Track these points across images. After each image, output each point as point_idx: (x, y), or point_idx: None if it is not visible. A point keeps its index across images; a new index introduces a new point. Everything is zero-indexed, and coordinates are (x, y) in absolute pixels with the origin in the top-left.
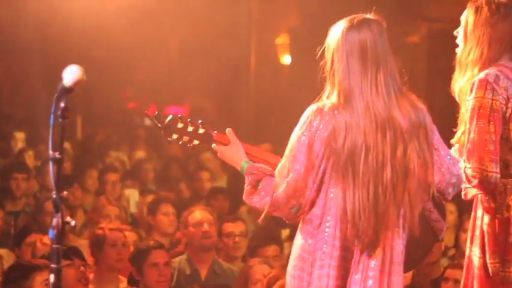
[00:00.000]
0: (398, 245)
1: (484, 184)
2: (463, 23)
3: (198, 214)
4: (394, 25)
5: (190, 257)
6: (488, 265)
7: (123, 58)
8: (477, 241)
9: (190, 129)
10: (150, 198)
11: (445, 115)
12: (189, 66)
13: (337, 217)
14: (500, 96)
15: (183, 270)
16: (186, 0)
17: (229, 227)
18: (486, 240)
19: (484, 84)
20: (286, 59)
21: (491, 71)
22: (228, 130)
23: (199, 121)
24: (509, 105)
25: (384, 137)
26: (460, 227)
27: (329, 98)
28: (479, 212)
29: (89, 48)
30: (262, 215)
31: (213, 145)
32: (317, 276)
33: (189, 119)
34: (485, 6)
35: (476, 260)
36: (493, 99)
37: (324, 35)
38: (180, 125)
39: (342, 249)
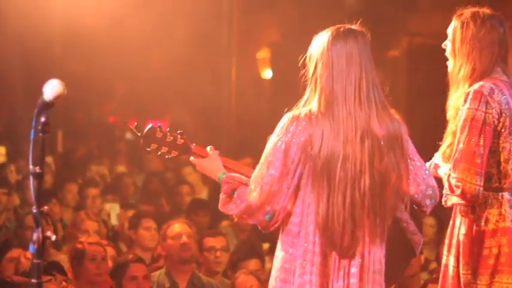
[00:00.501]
0: (376, 253)
1: (466, 196)
2: (450, 37)
3: (177, 227)
4: (375, 39)
5: (169, 270)
6: (461, 275)
7: (104, 72)
8: (453, 250)
9: (169, 139)
10: (131, 212)
11: (426, 127)
12: (170, 80)
13: (315, 224)
14: (494, 110)
15: (162, 284)
16: (167, 14)
17: (210, 241)
18: (461, 250)
19: (478, 95)
20: (267, 73)
21: (487, 83)
22: (209, 147)
23: (179, 131)
24: (501, 119)
25: (362, 145)
26: (440, 240)
27: (307, 104)
28: (458, 221)
29: (69, 62)
30: (236, 219)
31: (191, 158)
32: (298, 285)
33: (167, 129)
34: (471, 21)
35: (451, 269)
36: (486, 112)
37: (305, 49)
38: (159, 135)
39: (322, 255)
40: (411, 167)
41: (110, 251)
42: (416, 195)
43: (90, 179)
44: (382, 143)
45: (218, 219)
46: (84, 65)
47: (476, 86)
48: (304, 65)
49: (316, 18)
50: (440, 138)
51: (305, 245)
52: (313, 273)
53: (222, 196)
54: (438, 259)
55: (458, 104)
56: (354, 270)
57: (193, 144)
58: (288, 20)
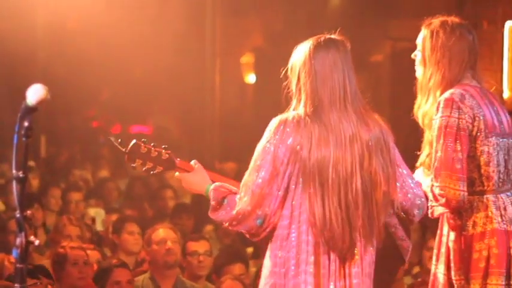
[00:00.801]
0: (368, 255)
1: (452, 202)
2: (419, 47)
3: (162, 232)
4: (358, 44)
5: (154, 275)
6: (454, 282)
7: (87, 77)
8: (442, 258)
9: (154, 154)
10: (114, 217)
11: (410, 132)
12: (153, 85)
13: (308, 222)
14: (467, 115)
15: None
16: (150, 19)
17: (193, 245)
18: (452, 257)
19: (450, 103)
20: (250, 78)
21: (456, 90)
22: (194, 161)
23: (163, 146)
24: (475, 123)
25: (352, 149)
26: (423, 244)
27: (297, 109)
28: (445, 229)
29: (52, 67)
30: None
31: (176, 173)
32: (293, 285)
33: (152, 144)
34: (440, 30)
35: (441, 277)
36: (459, 118)
37: (289, 54)
38: (143, 150)
39: (316, 254)
40: (398, 174)
41: (96, 255)
42: (404, 203)
43: (73, 184)
44: (370, 147)
45: (202, 224)
46: (67, 69)
47: (446, 94)
48: (286, 76)
49: (299, 23)
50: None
51: (298, 246)
52: (308, 273)
53: (212, 202)
54: (421, 263)
55: (431, 113)
56: (356, 269)
57: (178, 159)
58: (271, 25)
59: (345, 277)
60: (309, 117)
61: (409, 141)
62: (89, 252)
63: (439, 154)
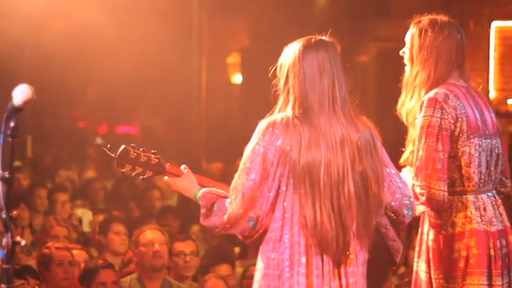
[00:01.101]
0: (361, 256)
1: (432, 202)
2: (408, 44)
3: (150, 234)
4: (344, 45)
5: (141, 276)
6: (433, 281)
7: (74, 77)
8: (423, 256)
9: (143, 159)
10: (101, 217)
11: (395, 133)
12: (140, 86)
13: (300, 224)
14: (449, 115)
15: None
16: (137, 19)
17: (180, 246)
18: (431, 255)
19: (433, 103)
20: (237, 79)
21: (441, 90)
22: (183, 166)
23: (153, 151)
24: (458, 124)
25: (343, 151)
26: (409, 244)
27: (282, 111)
28: (426, 227)
29: (39, 67)
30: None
31: (166, 177)
32: (288, 287)
33: (142, 149)
34: (429, 28)
35: (423, 275)
36: (441, 118)
37: (275, 54)
38: (133, 155)
39: (309, 255)
40: (386, 174)
41: (83, 255)
42: (392, 203)
43: (59, 184)
44: (360, 146)
45: (189, 224)
46: (53, 69)
47: (430, 93)
48: (274, 75)
49: (286, 24)
50: None
51: (290, 247)
52: (300, 274)
53: (202, 210)
54: (407, 263)
55: (415, 111)
56: (352, 268)
57: (168, 163)
58: (258, 26)
59: (340, 277)
60: (298, 119)
61: (396, 140)
62: (76, 252)
63: (420, 153)
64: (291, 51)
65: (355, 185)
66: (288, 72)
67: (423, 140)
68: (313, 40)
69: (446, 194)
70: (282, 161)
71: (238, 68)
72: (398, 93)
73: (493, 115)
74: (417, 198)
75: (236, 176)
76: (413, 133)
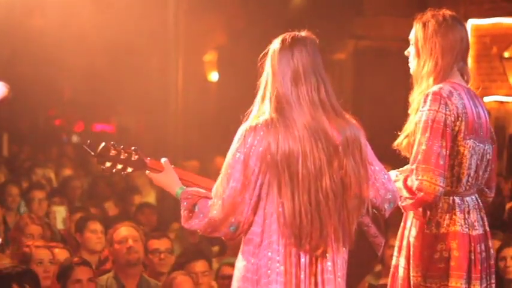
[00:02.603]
0: (340, 258)
1: (429, 197)
2: (412, 41)
3: (123, 230)
4: (321, 42)
5: (117, 274)
6: (411, 277)
7: (50, 75)
8: (404, 252)
9: (123, 156)
10: (78, 215)
11: (372, 130)
12: (116, 84)
13: (279, 232)
14: (452, 113)
15: None
16: (114, 17)
17: (155, 243)
18: (411, 252)
19: (438, 97)
20: (213, 76)
21: (445, 86)
22: (164, 160)
23: (133, 148)
24: (458, 123)
25: (317, 146)
26: (385, 243)
27: (260, 112)
28: (408, 222)
29: (15, 65)
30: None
31: (147, 172)
32: None
33: (121, 146)
34: (432, 19)
35: (401, 271)
36: (446, 114)
37: (251, 52)
38: (113, 153)
39: (287, 264)
40: (370, 172)
41: (64, 254)
42: (374, 200)
43: (36, 182)
44: (339, 148)
45: (168, 222)
46: (30, 67)
47: (435, 87)
48: (250, 74)
49: (262, 22)
50: (387, 140)
51: (269, 255)
52: (278, 282)
53: (183, 213)
54: (383, 261)
55: (420, 98)
56: (328, 276)
57: (148, 158)
58: (234, 23)
59: (316, 285)
60: (277, 120)
61: (373, 138)
62: (57, 251)
63: (423, 147)
64: (270, 49)
65: (333, 183)
66: (266, 70)
67: (427, 135)
68: (290, 37)
69: (443, 190)
70: (263, 168)
71: (215, 66)
72: (374, 91)
73: (488, 120)
74: (413, 193)
75: (218, 179)
76: (413, 120)
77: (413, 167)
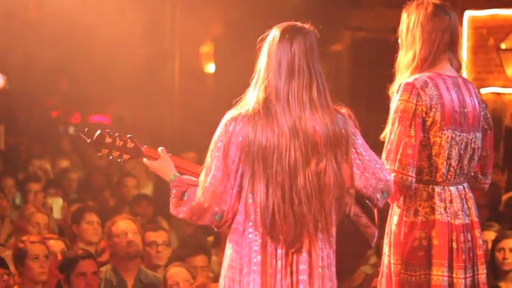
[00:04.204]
0: (322, 249)
1: (399, 186)
2: (399, 32)
3: (122, 224)
4: (318, 34)
5: (116, 267)
6: (392, 265)
7: (46, 66)
8: (387, 239)
9: (119, 143)
10: (74, 207)
11: (369, 122)
12: (113, 75)
13: (257, 223)
14: (424, 103)
15: (109, 281)
16: (110, 8)
17: (152, 236)
18: (392, 240)
19: (410, 88)
20: (210, 68)
21: (421, 76)
22: (161, 148)
23: (128, 135)
24: (431, 114)
25: (294, 142)
26: (381, 235)
27: (247, 100)
28: (390, 211)
29: (10, 56)
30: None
31: (144, 159)
32: (246, 283)
33: (117, 134)
34: (415, 10)
35: (386, 259)
36: (416, 104)
37: (248, 43)
38: (108, 140)
39: (263, 254)
40: (359, 162)
41: (60, 245)
42: (365, 190)
43: (32, 174)
44: (318, 145)
45: (165, 214)
46: (26, 59)
47: (410, 78)
48: (247, 65)
49: (259, 13)
50: (383, 132)
51: (250, 244)
52: (256, 272)
53: (172, 200)
54: (378, 253)
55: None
56: (302, 267)
57: (145, 146)
58: (230, 14)
59: (291, 274)
60: (259, 112)
61: (368, 130)
62: (52, 242)
63: (392, 137)
64: (267, 39)
65: (307, 182)
66: (261, 59)
67: (396, 124)
68: (289, 27)
69: (413, 180)
70: (243, 158)
71: (212, 58)
72: (371, 83)
73: (478, 109)
74: None
75: (203, 167)
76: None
77: (384, 157)
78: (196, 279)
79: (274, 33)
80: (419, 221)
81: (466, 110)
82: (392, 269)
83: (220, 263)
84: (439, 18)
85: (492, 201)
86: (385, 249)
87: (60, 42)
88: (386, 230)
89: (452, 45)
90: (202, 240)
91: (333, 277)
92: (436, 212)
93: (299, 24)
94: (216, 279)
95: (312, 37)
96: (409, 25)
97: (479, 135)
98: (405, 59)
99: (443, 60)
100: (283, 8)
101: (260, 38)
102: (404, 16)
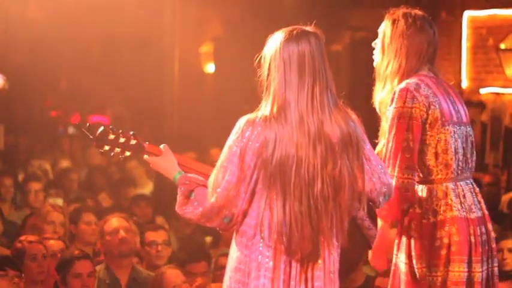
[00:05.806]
0: (332, 254)
1: (401, 190)
2: (380, 35)
3: (114, 222)
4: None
5: (109, 265)
6: (416, 270)
7: (46, 66)
8: (403, 247)
9: (121, 140)
10: (72, 207)
11: (369, 123)
12: (112, 75)
13: (270, 228)
14: (421, 104)
15: (102, 280)
16: (109, 8)
17: (151, 235)
18: (412, 245)
19: (404, 93)
20: (209, 68)
21: (412, 80)
22: (163, 145)
23: (131, 132)
24: (430, 112)
25: (315, 151)
26: None
27: (263, 108)
28: (405, 219)
29: (10, 56)
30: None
31: (145, 156)
32: (253, 287)
33: (120, 130)
34: (402, 19)
35: (402, 266)
36: (412, 107)
37: (248, 43)
38: (111, 136)
39: (276, 260)
40: (367, 167)
41: (59, 245)
42: (370, 194)
43: (32, 173)
44: (335, 146)
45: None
46: (25, 58)
47: (402, 84)
48: (246, 65)
49: (258, 13)
50: None
51: (260, 249)
52: (266, 278)
53: (179, 198)
54: None
55: (387, 101)
56: (318, 273)
57: (147, 142)
58: (230, 14)
59: (306, 281)
60: (274, 117)
61: (368, 131)
62: (52, 242)
63: (390, 144)
64: (273, 44)
65: (326, 186)
66: (269, 65)
67: (393, 132)
68: (295, 32)
69: (415, 182)
70: (259, 164)
71: (211, 57)
72: (370, 83)
73: (463, 105)
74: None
75: (214, 171)
76: (385, 125)
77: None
78: (195, 280)
79: (279, 37)
80: (438, 220)
81: (457, 106)
82: (417, 274)
83: (218, 262)
84: (426, 31)
85: (491, 201)
86: (401, 257)
87: (60, 42)
88: (402, 239)
89: (433, 57)
90: (201, 243)
91: (337, 282)
92: (454, 209)
93: (305, 27)
94: (216, 279)
95: (317, 38)
96: (395, 33)
97: (471, 129)
98: (390, 68)
99: (425, 69)
100: (283, 8)
101: (266, 40)
102: (388, 22)
